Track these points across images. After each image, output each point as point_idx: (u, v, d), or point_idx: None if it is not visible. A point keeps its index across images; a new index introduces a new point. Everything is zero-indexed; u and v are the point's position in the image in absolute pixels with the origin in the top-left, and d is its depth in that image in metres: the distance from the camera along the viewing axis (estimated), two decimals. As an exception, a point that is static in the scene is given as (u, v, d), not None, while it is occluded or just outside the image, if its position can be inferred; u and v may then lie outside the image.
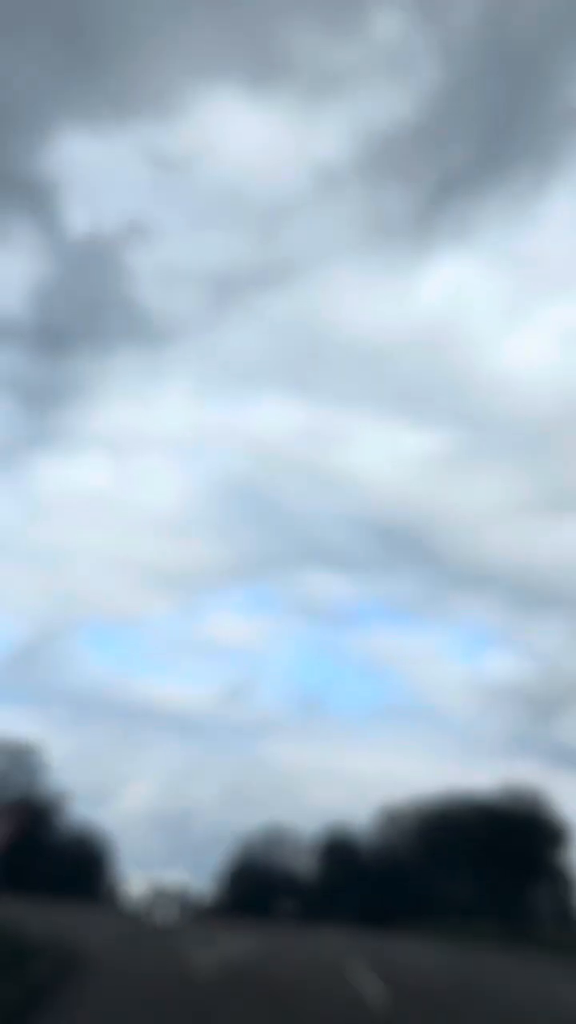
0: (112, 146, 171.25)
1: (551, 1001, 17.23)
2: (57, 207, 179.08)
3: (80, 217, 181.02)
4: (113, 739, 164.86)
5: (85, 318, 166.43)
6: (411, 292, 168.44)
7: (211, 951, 19.01)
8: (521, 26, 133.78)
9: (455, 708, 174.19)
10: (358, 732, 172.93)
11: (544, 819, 71.72)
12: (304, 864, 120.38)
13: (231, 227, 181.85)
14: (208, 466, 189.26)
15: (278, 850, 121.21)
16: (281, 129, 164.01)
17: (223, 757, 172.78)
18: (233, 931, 39.05)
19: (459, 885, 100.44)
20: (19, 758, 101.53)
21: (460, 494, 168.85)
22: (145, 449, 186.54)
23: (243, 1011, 12.98)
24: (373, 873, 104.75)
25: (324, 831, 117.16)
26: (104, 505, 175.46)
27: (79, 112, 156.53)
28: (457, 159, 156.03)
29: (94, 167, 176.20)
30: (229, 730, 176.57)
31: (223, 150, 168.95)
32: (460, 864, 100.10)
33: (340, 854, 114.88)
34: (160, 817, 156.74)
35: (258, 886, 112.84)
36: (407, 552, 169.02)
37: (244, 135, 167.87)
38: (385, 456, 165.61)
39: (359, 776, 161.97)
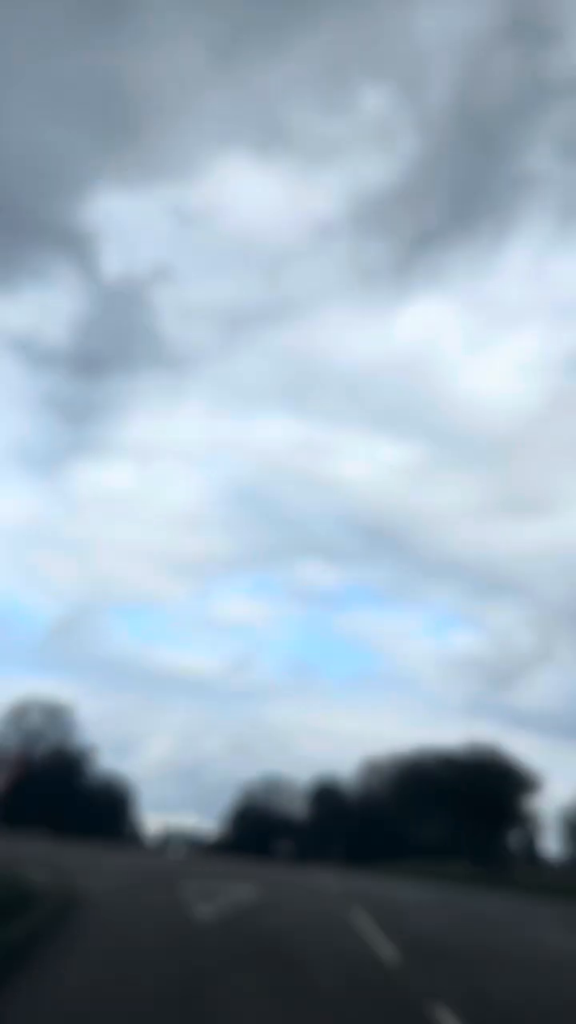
0: (141, 202, 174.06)
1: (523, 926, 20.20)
2: (94, 253, 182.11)
3: (113, 262, 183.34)
4: (137, 701, 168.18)
5: (116, 346, 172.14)
6: (391, 328, 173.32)
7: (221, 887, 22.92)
8: (486, 105, 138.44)
9: (424, 677, 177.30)
10: (343, 697, 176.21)
11: (502, 769, 75.00)
12: (297, 807, 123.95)
13: (240, 271, 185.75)
14: (219, 472, 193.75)
15: (275, 795, 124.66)
16: (283, 189, 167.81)
17: (229, 717, 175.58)
18: (240, 867, 42.54)
19: (431, 827, 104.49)
20: (54, 716, 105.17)
21: (430, 497, 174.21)
22: (166, 457, 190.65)
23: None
24: (356, 814, 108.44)
25: (314, 780, 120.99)
26: (130, 504, 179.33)
27: (114, 174, 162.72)
28: (431, 216, 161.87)
29: (125, 220, 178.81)
30: (234, 694, 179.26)
31: (234, 206, 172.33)
32: (431, 808, 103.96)
33: (328, 798, 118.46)
34: (175, 767, 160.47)
35: (258, 826, 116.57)
36: (385, 545, 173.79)
37: (252, 194, 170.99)
38: (368, 464, 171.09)
39: (344, 733, 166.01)
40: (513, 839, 62.89)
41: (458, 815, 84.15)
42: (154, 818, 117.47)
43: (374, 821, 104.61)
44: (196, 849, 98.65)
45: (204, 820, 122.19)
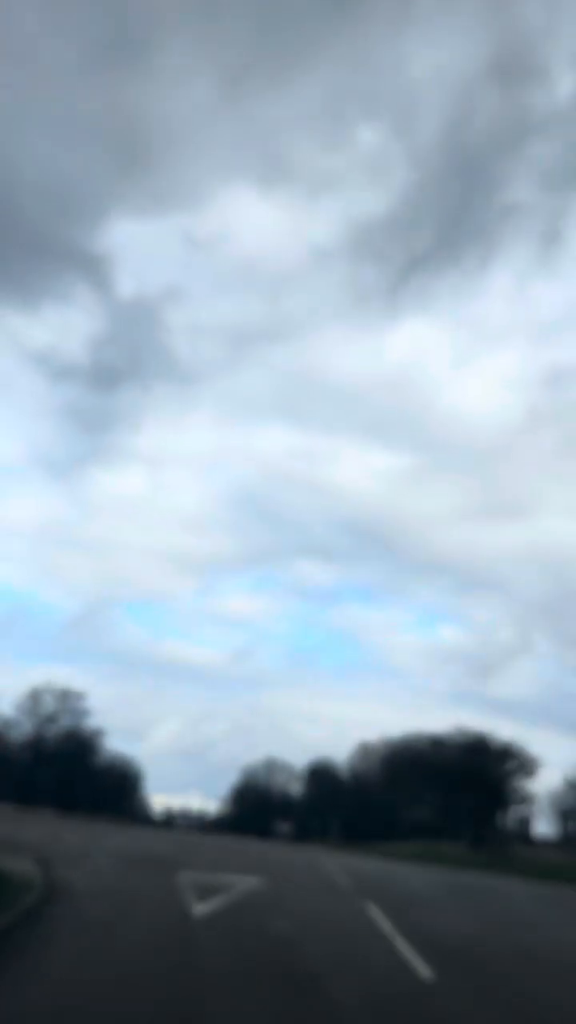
0: (153, 228, 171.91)
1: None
2: (110, 275, 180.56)
3: (127, 283, 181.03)
4: (145, 689, 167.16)
5: (130, 361, 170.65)
6: (382, 345, 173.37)
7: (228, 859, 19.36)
8: (473, 140, 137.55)
9: (412, 667, 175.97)
10: (337, 685, 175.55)
11: (499, 752, 70.65)
12: (295, 788, 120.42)
13: (245, 293, 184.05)
14: (223, 478, 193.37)
15: (274, 777, 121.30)
16: (284, 217, 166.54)
17: (232, 703, 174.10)
18: (242, 843, 38.79)
19: (424, 807, 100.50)
20: (67, 702, 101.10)
21: (418, 501, 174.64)
22: (174, 464, 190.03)
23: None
24: (350, 794, 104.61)
25: (311, 762, 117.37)
26: (142, 507, 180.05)
27: (128, 202, 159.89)
28: (421, 243, 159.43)
29: (139, 244, 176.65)
30: (236, 682, 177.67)
31: (239, 233, 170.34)
32: (423, 788, 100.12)
33: (323, 779, 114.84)
34: (181, 749, 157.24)
35: (258, 806, 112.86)
36: (376, 546, 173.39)
37: (256, 221, 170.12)
38: (360, 471, 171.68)
39: (338, 719, 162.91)
40: (509, 820, 58.90)
41: (450, 796, 79.97)
42: (163, 797, 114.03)
43: (368, 801, 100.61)
44: (202, 824, 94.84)
45: (207, 800, 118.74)
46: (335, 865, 24.75)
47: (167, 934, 10.66)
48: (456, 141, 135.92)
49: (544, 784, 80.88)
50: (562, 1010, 8.81)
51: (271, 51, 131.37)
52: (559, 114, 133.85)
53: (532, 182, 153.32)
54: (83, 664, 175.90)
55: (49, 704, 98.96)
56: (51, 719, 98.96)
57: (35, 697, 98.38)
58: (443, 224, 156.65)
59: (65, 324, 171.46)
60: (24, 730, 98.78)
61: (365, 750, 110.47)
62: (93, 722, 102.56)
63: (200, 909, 12.69)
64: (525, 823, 56.86)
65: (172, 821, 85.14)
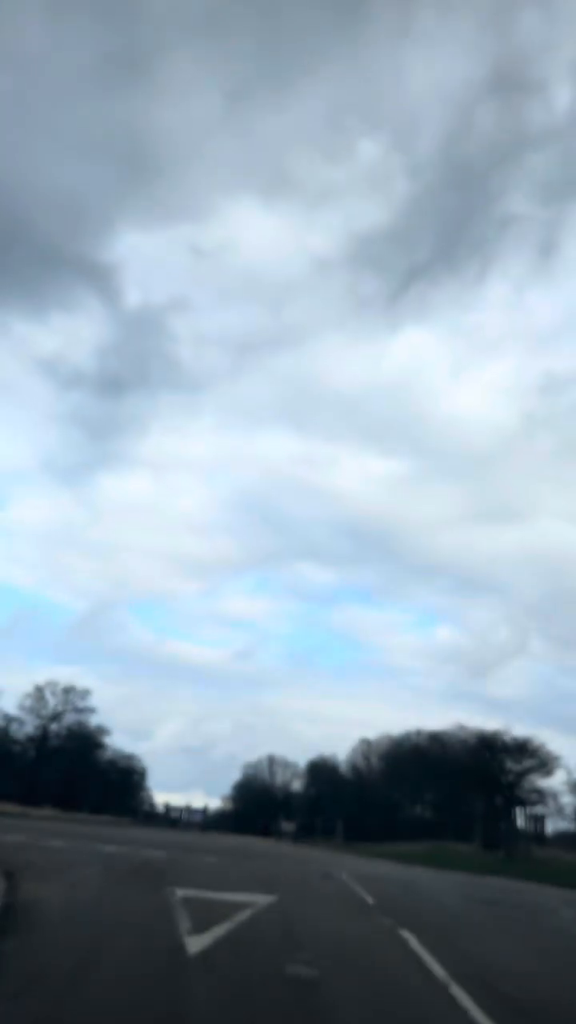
0: (159, 239, 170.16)
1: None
2: (117, 285, 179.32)
3: (134, 292, 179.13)
4: (150, 688, 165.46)
5: (136, 369, 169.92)
6: (382, 354, 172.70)
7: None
8: (471, 153, 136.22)
9: (410, 667, 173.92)
10: (336, 685, 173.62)
11: (503, 748, 67.04)
12: (296, 786, 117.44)
13: (248, 302, 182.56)
14: (227, 482, 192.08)
15: (275, 775, 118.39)
16: (287, 229, 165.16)
17: (234, 702, 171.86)
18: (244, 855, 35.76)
19: (422, 803, 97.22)
20: (72, 699, 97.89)
21: (416, 506, 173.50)
22: (179, 469, 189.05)
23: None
24: (352, 792, 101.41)
25: (312, 759, 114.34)
26: (147, 511, 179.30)
27: (135, 214, 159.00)
28: (420, 254, 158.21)
29: (146, 255, 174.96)
30: (239, 681, 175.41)
31: (243, 244, 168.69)
32: (422, 784, 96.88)
33: (325, 776, 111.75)
34: (185, 747, 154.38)
35: (259, 803, 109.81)
36: (375, 549, 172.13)
37: (259, 233, 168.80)
38: (360, 476, 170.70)
39: (337, 718, 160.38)
40: (522, 819, 55.55)
41: (455, 794, 76.56)
42: (163, 796, 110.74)
43: (369, 798, 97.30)
44: (205, 821, 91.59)
45: (210, 798, 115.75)
46: (349, 872, 21.53)
47: (152, 985, 7.59)
48: (455, 153, 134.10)
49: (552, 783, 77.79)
50: None
51: (273, 66, 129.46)
52: (556, 127, 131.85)
53: (529, 194, 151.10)
54: (89, 664, 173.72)
55: (53, 702, 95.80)
56: (55, 717, 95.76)
57: (39, 695, 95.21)
58: (442, 235, 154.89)
59: (73, 333, 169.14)
60: (28, 728, 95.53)
61: (366, 746, 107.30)
62: (97, 719, 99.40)
63: (196, 943, 9.63)
64: (540, 821, 53.61)
65: (175, 820, 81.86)
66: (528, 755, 52.52)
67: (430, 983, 8.71)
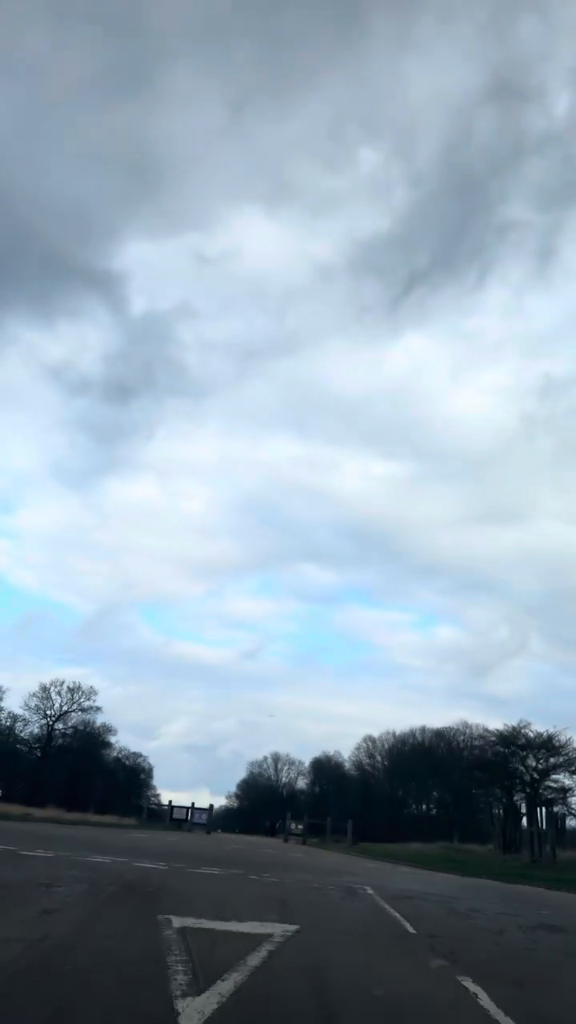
0: (165, 248, 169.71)
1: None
2: (123, 293, 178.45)
3: (140, 300, 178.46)
4: (156, 688, 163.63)
5: (143, 376, 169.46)
6: (383, 359, 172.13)
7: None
8: (470, 160, 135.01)
9: (412, 666, 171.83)
10: (339, 684, 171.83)
11: (525, 745, 62.97)
12: (301, 784, 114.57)
13: (252, 309, 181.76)
14: (231, 486, 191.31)
15: (280, 773, 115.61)
16: (290, 237, 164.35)
17: (239, 701, 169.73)
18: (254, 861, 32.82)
19: (427, 800, 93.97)
20: (77, 698, 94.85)
21: (416, 507, 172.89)
22: (185, 473, 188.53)
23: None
24: (355, 788, 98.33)
25: (316, 757, 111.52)
26: (154, 514, 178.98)
27: (141, 223, 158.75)
28: (420, 260, 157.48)
29: (152, 263, 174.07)
30: (244, 681, 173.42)
31: (247, 252, 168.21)
32: (427, 781, 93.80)
33: (328, 773, 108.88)
34: (191, 746, 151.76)
35: (265, 801, 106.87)
36: (377, 550, 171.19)
37: (262, 241, 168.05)
38: (361, 479, 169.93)
39: (340, 716, 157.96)
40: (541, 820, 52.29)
41: (470, 792, 73.28)
42: (169, 795, 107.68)
43: (375, 795, 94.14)
44: (212, 819, 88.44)
45: (215, 796, 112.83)
46: (372, 885, 18.50)
47: None
48: (454, 161, 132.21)
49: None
50: None
51: (274, 76, 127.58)
52: (555, 133, 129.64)
53: (529, 200, 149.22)
54: (96, 665, 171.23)
55: (58, 701, 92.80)
56: (60, 716, 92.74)
57: (44, 694, 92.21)
58: (442, 241, 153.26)
59: (80, 340, 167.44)
60: (34, 727, 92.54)
61: (371, 744, 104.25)
62: (103, 718, 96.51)
63: (194, 1011, 6.68)
64: (562, 821, 50.29)
65: (181, 819, 78.69)
66: (553, 751, 49.26)
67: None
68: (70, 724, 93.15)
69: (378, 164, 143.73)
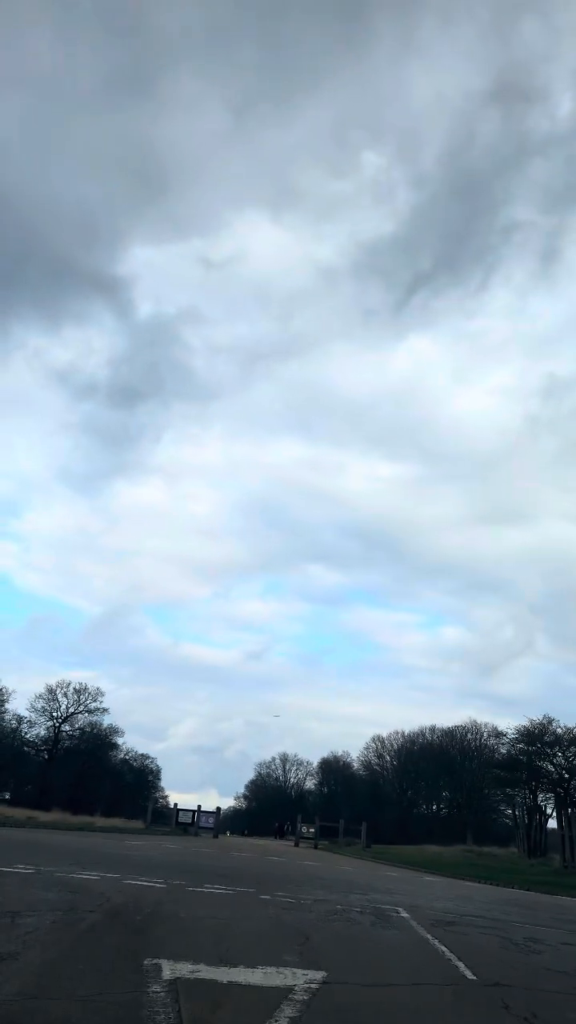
0: (171, 253, 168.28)
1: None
2: (129, 297, 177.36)
3: (146, 305, 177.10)
4: (165, 689, 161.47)
5: (149, 379, 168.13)
6: (388, 361, 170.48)
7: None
8: (473, 162, 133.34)
9: (418, 666, 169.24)
10: (346, 684, 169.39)
11: (554, 742, 59.05)
12: (309, 784, 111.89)
13: (257, 313, 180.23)
14: (237, 488, 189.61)
15: (289, 772, 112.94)
16: (294, 241, 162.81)
17: (246, 702, 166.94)
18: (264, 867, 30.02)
19: (438, 800, 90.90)
20: (84, 700, 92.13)
21: (422, 508, 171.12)
22: (192, 476, 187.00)
23: None
24: (364, 788, 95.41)
25: (324, 757, 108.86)
26: (161, 517, 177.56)
27: (146, 228, 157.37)
28: (424, 263, 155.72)
29: (158, 268, 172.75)
30: (251, 682, 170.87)
31: (252, 256, 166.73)
32: (437, 780, 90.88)
33: (336, 773, 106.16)
34: (199, 748, 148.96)
35: (273, 802, 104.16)
36: (383, 551, 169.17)
37: (267, 245, 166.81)
38: (367, 480, 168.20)
39: (347, 716, 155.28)
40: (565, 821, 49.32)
41: (484, 792, 70.26)
42: (177, 796, 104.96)
43: (384, 795, 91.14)
44: (220, 821, 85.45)
45: (223, 797, 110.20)
46: (405, 905, 15.71)
47: None
48: (458, 163, 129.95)
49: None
50: None
51: (278, 81, 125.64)
52: (558, 135, 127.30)
53: (532, 202, 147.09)
54: (104, 667, 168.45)
55: (65, 703, 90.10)
56: (67, 718, 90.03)
57: (51, 696, 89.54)
58: (445, 244, 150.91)
59: (87, 344, 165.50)
60: (40, 729, 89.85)
61: (379, 744, 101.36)
62: (110, 720, 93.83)
63: None
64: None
65: (187, 823, 75.78)
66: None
67: None
68: (77, 726, 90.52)
69: (381, 167, 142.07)
